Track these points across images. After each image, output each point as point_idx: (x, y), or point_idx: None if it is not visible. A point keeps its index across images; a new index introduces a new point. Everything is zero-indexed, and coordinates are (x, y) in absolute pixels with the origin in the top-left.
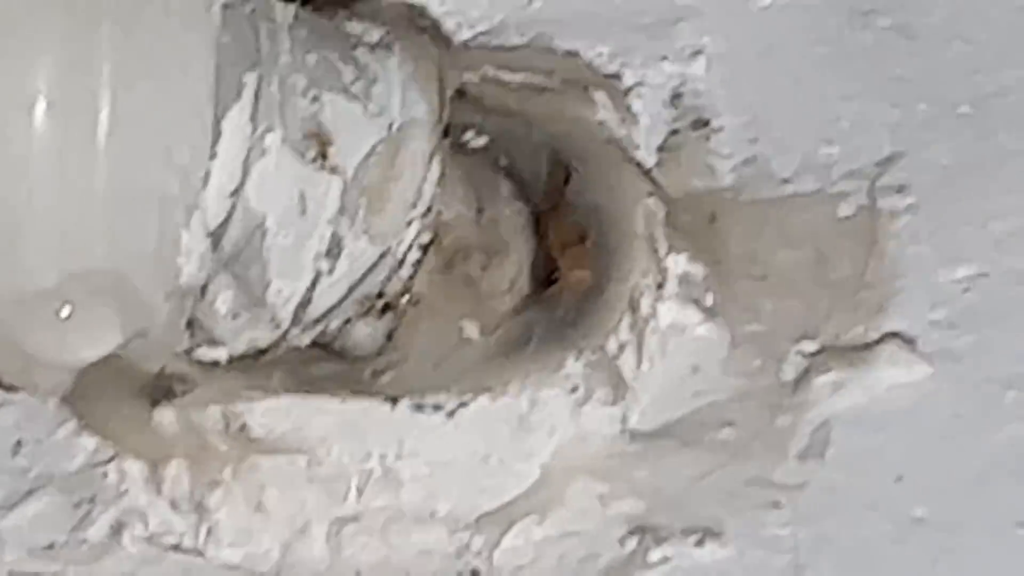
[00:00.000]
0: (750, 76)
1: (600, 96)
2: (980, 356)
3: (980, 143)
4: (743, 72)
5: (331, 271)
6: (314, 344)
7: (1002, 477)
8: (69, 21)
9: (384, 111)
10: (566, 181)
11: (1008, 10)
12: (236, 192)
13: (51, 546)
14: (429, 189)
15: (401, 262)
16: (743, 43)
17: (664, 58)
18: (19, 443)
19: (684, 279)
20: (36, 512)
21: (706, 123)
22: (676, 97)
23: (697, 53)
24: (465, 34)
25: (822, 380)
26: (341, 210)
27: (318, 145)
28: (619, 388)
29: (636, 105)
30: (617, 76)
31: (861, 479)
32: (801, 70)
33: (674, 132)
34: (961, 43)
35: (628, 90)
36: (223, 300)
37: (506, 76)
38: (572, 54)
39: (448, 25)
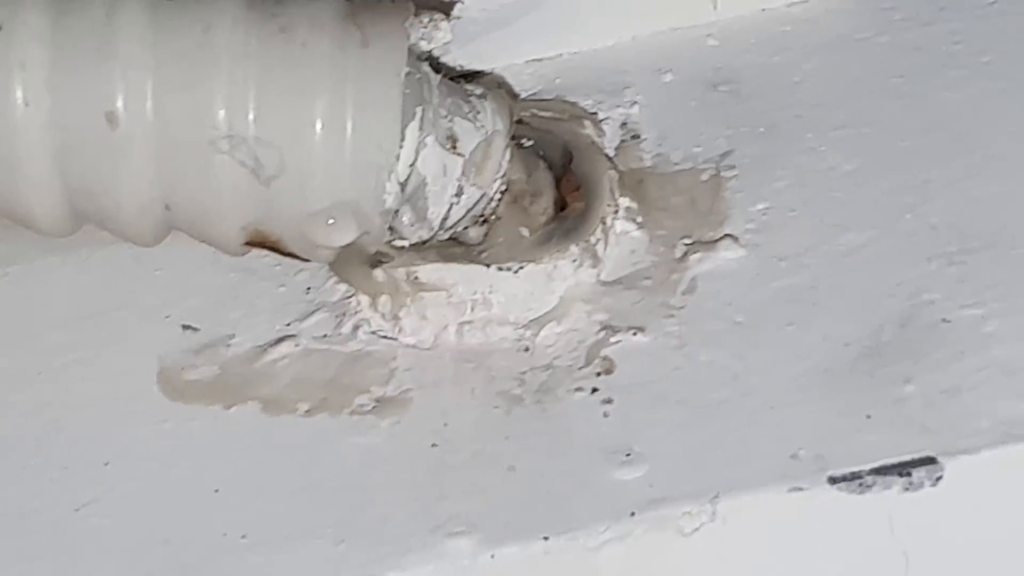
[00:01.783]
0: (660, 115)
1: (587, 123)
2: None
3: None
4: (657, 113)
5: (458, 203)
6: (449, 238)
7: None
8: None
9: (484, 126)
10: (570, 161)
11: None
12: (412, 164)
13: (324, 336)
14: (505, 164)
15: (492, 199)
16: (657, 100)
17: (618, 106)
18: (308, 288)
19: (627, 209)
20: (316, 321)
21: (637, 136)
22: (623, 124)
23: (634, 104)
24: (523, 93)
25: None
26: (463, 174)
27: (451, 142)
28: (596, 260)
29: (605, 126)
30: (595, 113)
31: None
32: (693, 105)
33: (623, 140)
34: None
35: (601, 120)
36: (406, 218)
37: (541, 112)
38: (573, 102)
39: (514, 89)
